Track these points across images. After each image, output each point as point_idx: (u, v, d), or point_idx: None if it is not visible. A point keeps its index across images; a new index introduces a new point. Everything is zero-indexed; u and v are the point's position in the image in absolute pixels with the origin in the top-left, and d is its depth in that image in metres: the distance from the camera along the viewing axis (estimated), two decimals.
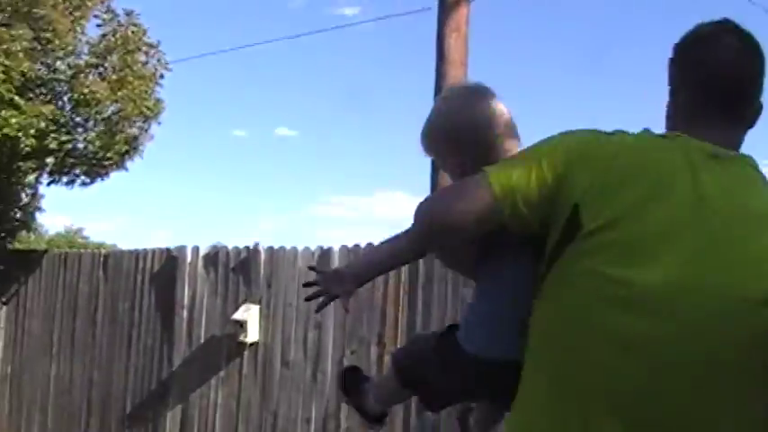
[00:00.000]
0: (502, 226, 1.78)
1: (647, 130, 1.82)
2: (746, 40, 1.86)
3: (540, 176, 1.73)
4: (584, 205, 1.68)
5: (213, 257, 7.29)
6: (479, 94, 2.08)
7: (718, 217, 1.66)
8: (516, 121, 2.06)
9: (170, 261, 7.60)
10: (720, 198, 1.68)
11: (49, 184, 9.05)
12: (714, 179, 1.70)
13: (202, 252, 7.38)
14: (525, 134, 2.05)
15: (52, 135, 8.22)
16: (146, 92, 8.78)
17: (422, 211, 1.87)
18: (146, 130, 8.93)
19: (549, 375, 1.73)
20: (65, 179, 8.91)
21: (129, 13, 8.93)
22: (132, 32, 8.82)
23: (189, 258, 7.44)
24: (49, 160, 8.49)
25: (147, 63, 8.95)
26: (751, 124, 1.87)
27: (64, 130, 8.39)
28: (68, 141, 8.40)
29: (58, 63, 8.57)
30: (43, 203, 9.94)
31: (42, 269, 8.94)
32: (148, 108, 8.80)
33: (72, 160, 8.58)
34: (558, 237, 1.73)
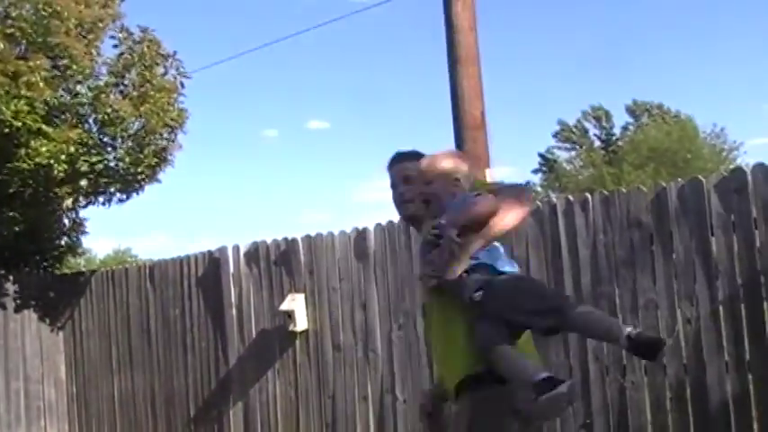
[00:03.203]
0: None
1: None
2: None
3: None
4: None
5: (254, 253, 7.42)
6: None
7: None
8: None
9: (213, 263, 7.75)
10: None
11: (86, 205, 9.24)
12: None
13: (243, 250, 7.52)
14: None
15: (82, 158, 8.38)
16: (168, 103, 8.90)
17: None
18: (172, 141, 9.06)
19: None
20: (101, 199, 9.09)
21: (144, 30, 9.04)
22: (148, 47, 8.93)
23: (231, 258, 7.58)
24: (83, 183, 8.64)
25: (165, 74, 9.07)
26: None
27: (93, 151, 8.54)
28: (99, 162, 8.55)
29: (79, 87, 8.71)
30: (87, 226, 10.14)
31: (92, 290, 9.16)
32: (172, 119, 8.92)
33: (105, 180, 8.74)
34: None
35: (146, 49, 8.92)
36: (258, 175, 68.76)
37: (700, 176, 5.07)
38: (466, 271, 2.84)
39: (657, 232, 5.09)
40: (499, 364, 2.77)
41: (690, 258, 4.95)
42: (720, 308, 4.83)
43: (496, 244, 2.93)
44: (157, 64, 9.02)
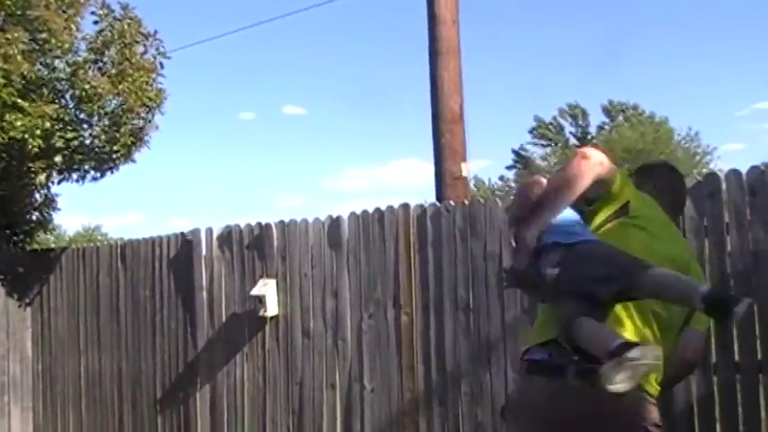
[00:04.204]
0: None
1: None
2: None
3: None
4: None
5: (227, 237, 7.40)
6: None
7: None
8: None
9: (186, 245, 7.72)
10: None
11: (59, 182, 9.16)
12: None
13: (216, 233, 7.49)
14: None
15: (58, 134, 8.32)
16: (146, 83, 8.84)
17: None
18: (149, 121, 9.01)
19: None
20: (75, 176, 9.02)
21: (124, 7, 8.97)
22: (128, 25, 8.87)
23: (204, 240, 7.56)
24: (58, 159, 8.57)
25: (145, 53, 9.01)
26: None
27: (69, 127, 8.48)
28: (75, 138, 8.49)
29: (57, 62, 8.64)
30: (59, 202, 10.07)
31: (62, 267, 9.09)
32: (150, 99, 8.88)
33: (80, 156, 8.68)
34: None
35: (126, 26, 8.85)
36: (234, 158, 68.63)
37: None
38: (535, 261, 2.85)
39: None
40: (580, 339, 2.65)
41: None
42: None
43: (557, 219, 2.90)
44: (137, 42, 8.96)
